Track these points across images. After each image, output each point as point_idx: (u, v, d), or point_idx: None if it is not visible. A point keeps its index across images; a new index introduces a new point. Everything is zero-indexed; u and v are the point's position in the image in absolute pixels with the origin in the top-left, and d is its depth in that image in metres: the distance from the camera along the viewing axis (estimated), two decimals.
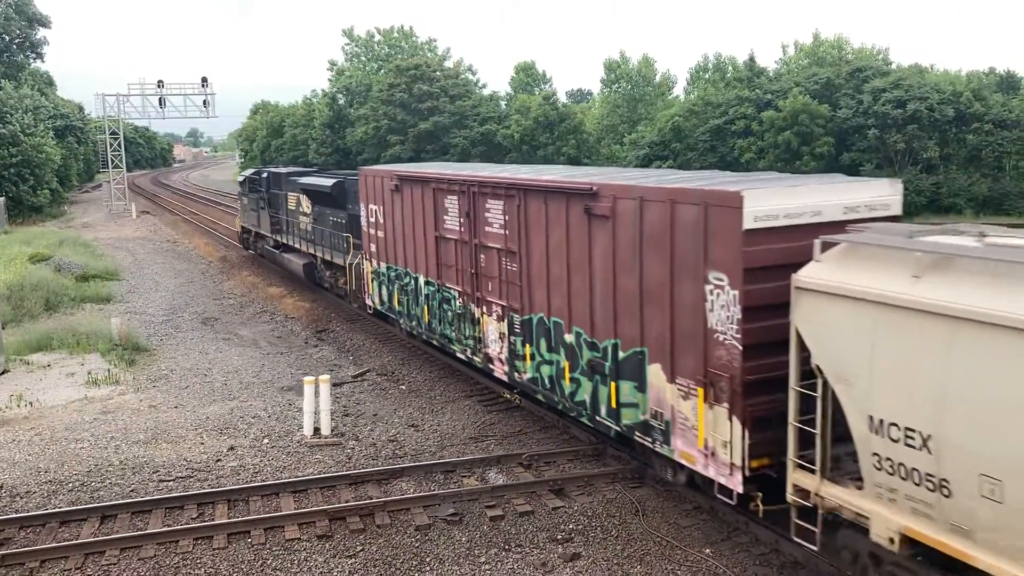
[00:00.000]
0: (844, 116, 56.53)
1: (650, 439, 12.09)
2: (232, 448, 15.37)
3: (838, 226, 10.06)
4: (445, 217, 17.51)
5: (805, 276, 9.24)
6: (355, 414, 17.17)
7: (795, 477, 9.55)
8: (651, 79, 79.48)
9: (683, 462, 11.58)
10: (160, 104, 70.86)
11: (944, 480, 7.97)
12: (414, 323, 19.92)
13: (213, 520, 12.38)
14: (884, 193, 11.07)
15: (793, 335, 9.36)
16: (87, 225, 57.03)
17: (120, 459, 14.87)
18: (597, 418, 13.32)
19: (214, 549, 11.58)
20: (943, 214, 52.23)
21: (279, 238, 31.81)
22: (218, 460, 14.84)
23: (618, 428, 12.80)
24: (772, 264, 10.06)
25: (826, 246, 9.33)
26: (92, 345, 22.26)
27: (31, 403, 18.11)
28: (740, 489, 10.56)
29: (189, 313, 27.55)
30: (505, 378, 16.24)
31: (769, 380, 10.10)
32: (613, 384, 12.71)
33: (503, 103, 76.07)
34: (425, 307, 19.06)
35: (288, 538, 11.82)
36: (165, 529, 12.06)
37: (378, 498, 12.89)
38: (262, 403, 17.96)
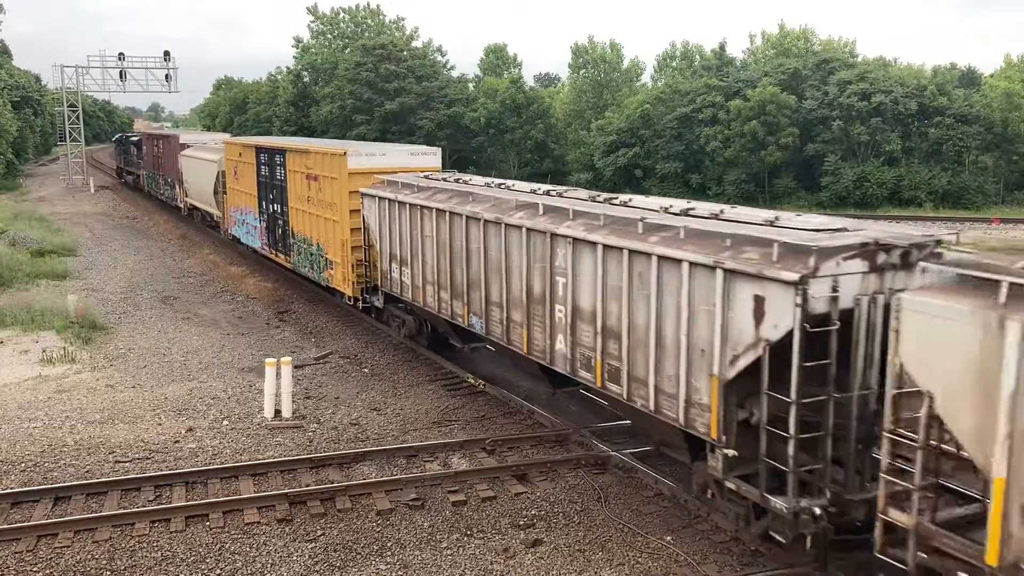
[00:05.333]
0: (809, 107, 56.97)
1: (175, 203, 45.16)
2: (191, 430, 15.15)
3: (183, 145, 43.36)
4: (154, 149, 49.69)
5: (184, 153, 40.77)
6: (317, 397, 17.01)
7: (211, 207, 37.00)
8: (617, 65, 79.19)
9: (180, 204, 43.34)
10: (121, 77, 69.62)
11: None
12: (153, 192, 50.98)
13: (170, 503, 12.20)
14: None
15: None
16: (43, 199, 55.82)
17: (75, 439, 14.60)
18: (177, 204, 43.89)
19: (171, 532, 11.41)
20: (904, 207, 52.90)
21: (128, 168, 62.12)
22: (176, 442, 14.62)
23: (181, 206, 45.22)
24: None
25: (184, 147, 41.30)
26: (47, 322, 21.81)
27: None
28: (184, 210, 42.41)
29: (148, 291, 27.10)
30: (163, 198, 48.32)
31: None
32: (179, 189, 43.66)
33: (471, 85, 75.50)
34: (149, 181, 51.92)
35: (247, 522, 11.68)
36: (121, 511, 11.84)
37: (339, 482, 12.79)
38: (222, 384, 17.72)
